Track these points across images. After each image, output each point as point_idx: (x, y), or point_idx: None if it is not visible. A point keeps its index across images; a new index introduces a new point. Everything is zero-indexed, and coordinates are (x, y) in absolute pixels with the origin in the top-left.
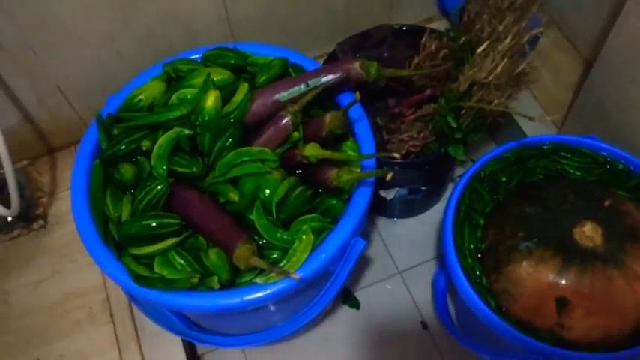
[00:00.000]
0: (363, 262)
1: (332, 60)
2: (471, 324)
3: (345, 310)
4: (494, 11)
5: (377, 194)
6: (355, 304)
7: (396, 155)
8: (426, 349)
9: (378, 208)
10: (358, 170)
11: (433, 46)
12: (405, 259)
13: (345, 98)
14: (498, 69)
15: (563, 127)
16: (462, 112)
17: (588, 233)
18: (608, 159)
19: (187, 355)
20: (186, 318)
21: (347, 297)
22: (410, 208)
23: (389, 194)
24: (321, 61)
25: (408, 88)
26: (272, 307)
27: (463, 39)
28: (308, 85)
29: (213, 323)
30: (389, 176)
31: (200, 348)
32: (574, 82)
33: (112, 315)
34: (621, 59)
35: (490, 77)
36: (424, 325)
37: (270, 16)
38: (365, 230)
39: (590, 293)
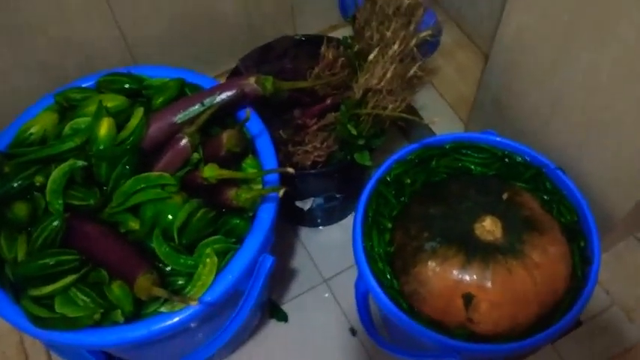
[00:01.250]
0: (288, 275)
1: (235, 75)
2: (390, 327)
3: (273, 325)
4: (382, 17)
5: (294, 206)
6: (283, 317)
7: (290, 170)
8: (356, 356)
9: (300, 219)
10: (258, 187)
11: (331, 55)
12: (330, 266)
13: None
14: (388, 75)
15: (469, 123)
16: (361, 119)
17: (488, 227)
18: (506, 152)
19: None
20: (103, 354)
21: (274, 311)
22: (330, 216)
23: (305, 205)
24: (225, 78)
25: (312, 99)
26: (190, 332)
27: (357, 46)
28: (204, 105)
29: (132, 355)
30: (281, 192)
31: None
32: (477, 78)
33: (27, 358)
34: (510, 54)
35: (382, 83)
36: (353, 331)
37: (170, 35)
38: (289, 240)
39: (493, 286)
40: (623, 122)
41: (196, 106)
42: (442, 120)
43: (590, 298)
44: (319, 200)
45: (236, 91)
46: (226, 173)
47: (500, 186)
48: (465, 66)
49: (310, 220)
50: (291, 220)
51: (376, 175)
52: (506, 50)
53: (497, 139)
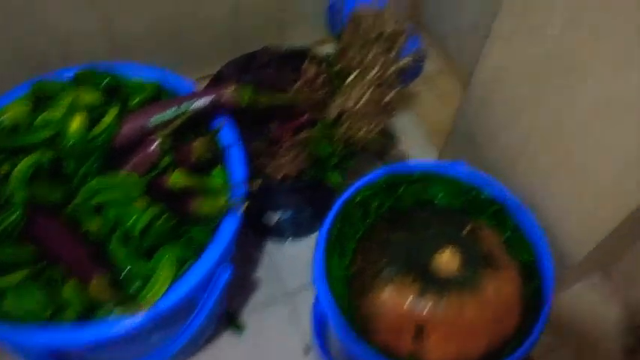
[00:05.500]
0: (250, 286)
1: (217, 80)
2: (343, 349)
3: (228, 335)
4: (364, 41)
5: (261, 219)
6: (239, 328)
7: (255, 184)
8: None
9: (268, 231)
10: (224, 198)
11: (313, 72)
12: (295, 281)
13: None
14: (364, 99)
15: (442, 152)
16: (335, 138)
17: (447, 259)
18: (473, 186)
19: None
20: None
21: (231, 321)
22: (298, 230)
23: (270, 220)
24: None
25: (289, 113)
26: (143, 337)
27: (338, 66)
28: (179, 110)
29: (81, 356)
30: (244, 207)
31: None
32: (456, 107)
33: None
34: (486, 90)
35: (357, 106)
36: (306, 349)
37: (157, 34)
38: (255, 252)
39: (445, 319)
40: (586, 169)
41: (172, 110)
42: (417, 145)
43: (539, 338)
44: (288, 214)
45: (212, 100)
46: (192, 182)
47: (464, 219)
48: (445, 94)
49: (278, 232)
50: (259, 232)
51: (343, 196)
52: (482, 86)
53: (465, 172)
